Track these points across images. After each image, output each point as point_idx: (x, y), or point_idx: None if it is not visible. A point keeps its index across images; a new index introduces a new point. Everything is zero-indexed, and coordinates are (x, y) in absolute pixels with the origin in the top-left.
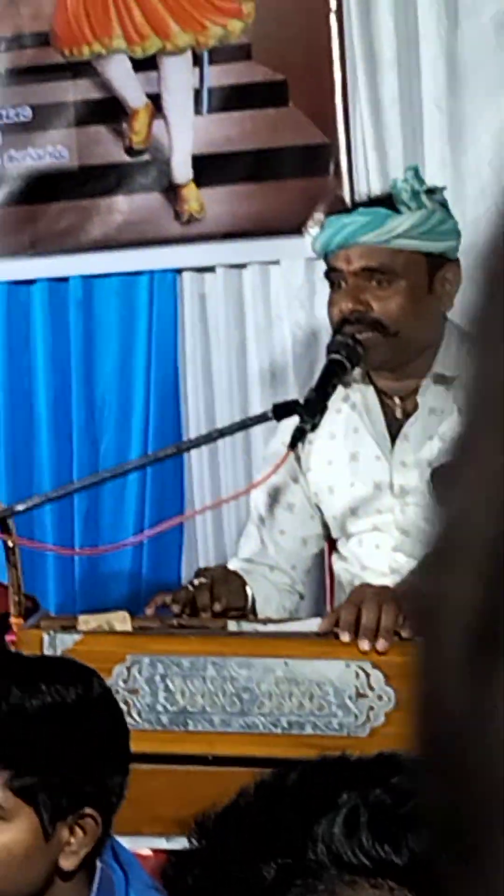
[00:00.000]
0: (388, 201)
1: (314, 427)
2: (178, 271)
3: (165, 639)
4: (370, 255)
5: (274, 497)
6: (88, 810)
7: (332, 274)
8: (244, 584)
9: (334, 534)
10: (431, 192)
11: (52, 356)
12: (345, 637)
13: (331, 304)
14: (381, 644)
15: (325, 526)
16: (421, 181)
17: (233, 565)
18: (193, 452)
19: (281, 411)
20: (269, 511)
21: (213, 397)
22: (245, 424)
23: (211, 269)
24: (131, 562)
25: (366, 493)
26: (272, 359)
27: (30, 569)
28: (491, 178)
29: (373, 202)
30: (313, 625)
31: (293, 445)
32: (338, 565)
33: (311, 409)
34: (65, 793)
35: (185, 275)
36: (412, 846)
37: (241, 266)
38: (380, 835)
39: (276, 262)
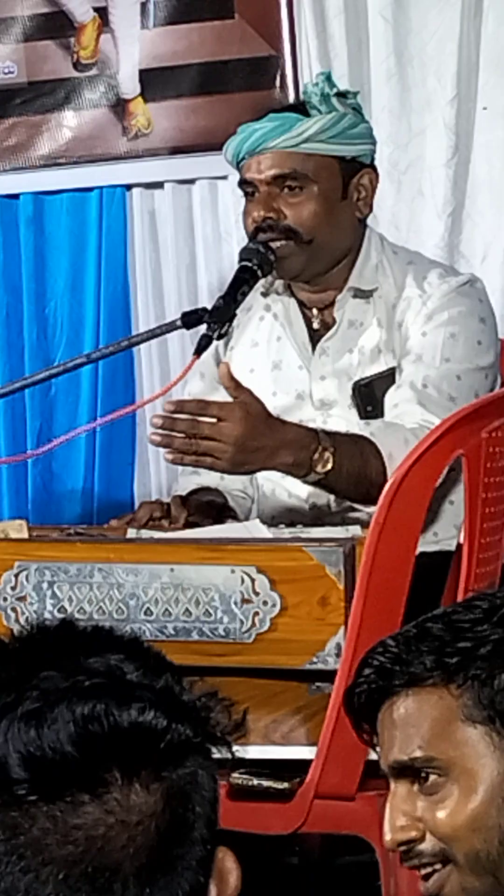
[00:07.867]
0: (301, 108)
1: (221, 336)
2: (128, 187)
3: (53, 545)
4: (281, 161)
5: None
6: None
7: (244, 185)
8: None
9: None
10: (343, 95)
11: (4, 273)
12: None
13: (245, 214)
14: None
15: None
16: (332, 85)
17: (183, 477)
18: (144, 367)
19: (190, 319)
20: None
21: (163, 313)
22: (155, 333)
23: (160, 184)
24: (83, 480)
25: (288, 403)
26: (221, 274)
27: None
28: (436, 89)
29: (286, 109)
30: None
31: (198, 352)
32: (261, 475)
33: (218, 317)
34: None
35: (135, 191)
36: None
37: (190, 182)
38: None
39: (225, 178)
